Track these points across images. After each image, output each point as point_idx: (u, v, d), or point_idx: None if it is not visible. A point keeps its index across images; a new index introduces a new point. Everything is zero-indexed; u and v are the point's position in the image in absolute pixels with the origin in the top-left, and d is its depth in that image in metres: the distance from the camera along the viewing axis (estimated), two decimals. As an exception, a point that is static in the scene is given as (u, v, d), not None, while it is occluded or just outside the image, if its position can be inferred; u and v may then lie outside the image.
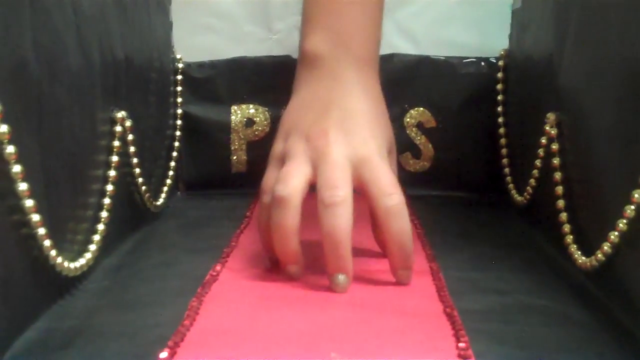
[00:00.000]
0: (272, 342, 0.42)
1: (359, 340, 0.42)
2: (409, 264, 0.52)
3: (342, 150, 0.53)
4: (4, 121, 0.39)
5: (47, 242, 0.44)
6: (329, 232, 0.50)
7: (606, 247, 0.47)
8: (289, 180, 0.52)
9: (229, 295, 0.50)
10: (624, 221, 0.44)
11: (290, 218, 0.51)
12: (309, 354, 0.40)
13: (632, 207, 0.43)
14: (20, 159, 0.40)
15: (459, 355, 0.40)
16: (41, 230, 0.43)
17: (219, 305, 0.48)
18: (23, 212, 0.41)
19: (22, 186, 0.41)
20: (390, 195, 0.52)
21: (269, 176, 0.56)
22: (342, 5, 0.62)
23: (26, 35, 0.42)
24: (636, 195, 0.43)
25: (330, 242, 0.50)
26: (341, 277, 0.50)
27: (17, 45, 0.41)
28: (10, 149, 0.39)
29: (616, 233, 0.45)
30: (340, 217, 0.50)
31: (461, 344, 0.41)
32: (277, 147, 0.58)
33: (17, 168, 0.40)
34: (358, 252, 0.59)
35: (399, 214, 0.52)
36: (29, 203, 0.41)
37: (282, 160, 0.55)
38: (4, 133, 0.39)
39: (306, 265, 0.54)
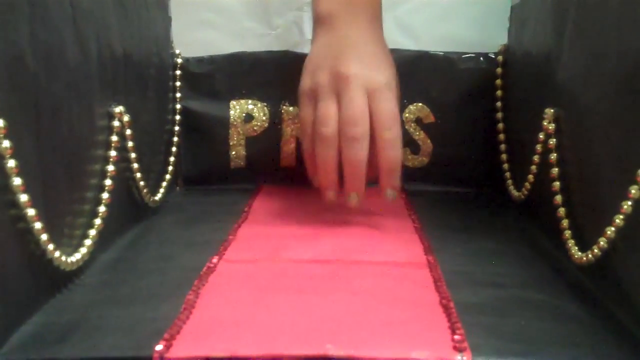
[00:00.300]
0: (268, 334, 0.42)
1: (354, 332, 0.42)
2: (396, 185, 0.65)
3: (359, 82, 0.64)
4: (0, 116, 0.39)
5: (43, 237, 0.44)
6: (349, 161, 0.63)
7: (602, 242, 0.47)
8: (329, 122, 0.64)
9: (225, 287, 0.50)
10: (621, 216, 0.44)
11: (332, 154, 0.64)
12: (305, 346, 0.40)
13: (629, 202, 0.43)
14: (15, 153, 0.40)
15: (454, 347, 0.40)
16: (37, 225, 0.43)
17: (216, 298, 0.48)
18: (18, 206, 0.41)
19: (17, 181, 0.41)
20: (389, 128, 0.63)
21: (306, 111, 0.67)
22: None
23: (23, 29, 0.42)
24: (633, 191, 0.43)
25: (349, 169, 0.64)
26: (354, 195, 0.65)
27: (13, 39, 0.41)
28: (5, 143, 0.39)
29: (613, 228, 0.45)
30: (358, 149, 0.63)
31: (457, 336, 0.41)
32: (305, 83, 0.68)
33: (11, 163, 0.40)
34: (357, 245, 0.60)
35: (392, 145, 0.64)
36: (24, 198, 0.41)
37: (312, 96, 0.66)
38: (0, 128, 0.39)
39: (303, 257, 0.56)
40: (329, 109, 0.64)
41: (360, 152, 0.63)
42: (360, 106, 0.63)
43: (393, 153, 0.64)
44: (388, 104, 0.64)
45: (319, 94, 0.65)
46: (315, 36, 0.71)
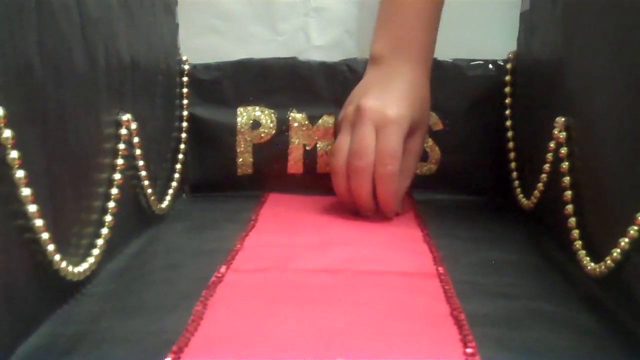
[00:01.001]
0: (277, 346, 0.42)
1: (365, 344, 0.42)
2: (392, 212, 0.72)
3: (371, 116, 0.69)
4: (8, 126, 0.38)
5: (50, 247, 0.44)
6: (355, 190, 0.70)
7: (615, 253, 0.46)
8: (337, 155, 0.71)
9: (233, 298, 0.50)
10: (635, 227, 0.44)
11: (342, 185, 0.72)
12: (315, 358, 0.40)
13: (644, 213, 0.43)
14: (24, 164, 0.40)
15: (466, 361, 0.40)
16: (45, 235, 0.43)
17: (224, 309, 0.47)
18: (26, 217, 0.41)
19: (26, 191, 0.40)
20: (384, 164, 0.69)
21: (341, 139, 0.72)
22: (405, 16, 0.75)
23: (31, 37, 0.42)
24: (647, 203, 0.42)
25: (356, 196, 0.71)
26: (368, 213, 0.72)
27: (21, 47, 0.41)
28: (13, 154, 0.39)
29: (626, 239, 0.45)
30: (362, 180, 0.69)
31: (468, 349, 0.41)
32: (339, 116, 0.75)
33: (20, 173, 0.40)
34: (366, 254, 0.59)
35: (385, 180, 0.69)
36: (33, 208, 0.41)
37: (340, 126, 0.74)
38: (7, 138, 0.38)
39: (311, 267, 0.56)
40: (342, 142, 0.71)
41: (363, 182, 0.69)
42: (366, 140, 0.69)
43: (386, 187, 0.70)
44: (390, 138, 0.69)
45: (342, 124, 0.73)
46: (365, 74, 0.77)
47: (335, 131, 0.77)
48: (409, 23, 0.75)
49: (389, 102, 0.70)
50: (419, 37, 0.75)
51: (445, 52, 0.82)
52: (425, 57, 0.76)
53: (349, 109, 0.72)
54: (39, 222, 0.42)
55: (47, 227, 0.43)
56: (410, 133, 0.71)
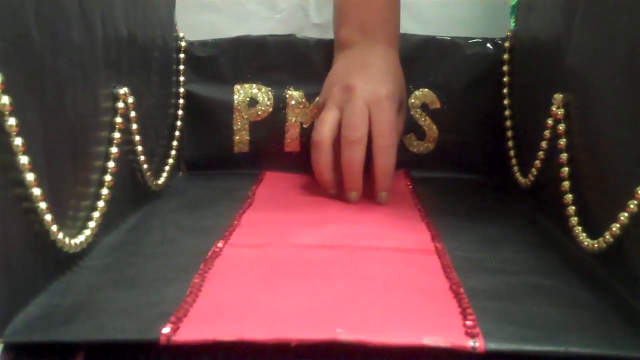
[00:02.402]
0: (275, 318, 0.41)
1: (365, 317, 0.42)
2: (388, 188, 0.70)
3: (362, 94, 0.70)
4: (5, 92, 0.38)
5: (48, 217, 0.43)
6: (347, 163, 0.69)
7: (615, 228, 0.46)
8: (319, 128, 0.70)
9: (231, 271, 0.50)
10: (635, 202, 0.44)
11: (322, 159, 0.70)
12: (314, 330, 0.40)
13: (644, 188, 0.43)
14: (21, 132, 0.39)
15: (466, 333, 0.40)
16: (42, 204, 0.43)
17: (222, 282, 0.47)
18: (24, 185, 0.41)
19: (24, 159, 0.40)
20: (384, 137, 0.69)
21: (326, 113, 0.71)
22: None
23: (29, 5, 0.42)
24: (649, 177, 0.42)
25: (347, 170, 0.69)
26: (353, 194, 0.70)
27: (19, 15, 0.41)
28: (11, 121, 0.39)
29: (626, 214, 0.45)
30: (356, 152, 0.68)
31: (468, 322, 0.41)
32: (319, 99, 0.76)
33: (18, 141, 0.39)
34: (364, 231, 0.59)
35: (387, 152, 0.69)
36: (30, 177, 0.41)
37: (321, 108, 0.73)
38: (4, 105, 0.38)
39: (309, 242, 0.56)
40: (327, 116, 0.71)
41: (356, 154, 0.68)
42: (360, 112, 0.69)
43: (386, 160, 0.69)
44: (386, 113, 0.70)
45: (326, 104, 0.72)
46: (336, 59, 0.78)
47: (317, 106, 0.76)
48: (375, 6, 0.76)
49: (377, 80, 0.71)
50: (386, 19, 0.76)
51: (443, 29, 0.81)
52: (394, 38, 0.78)
53: (333, 90, 0.72)
54: (36, 191, 0.42)
55: (45, 197, 0.43)
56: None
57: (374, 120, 0.69)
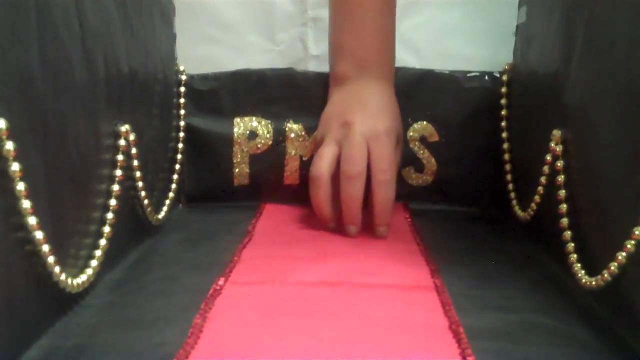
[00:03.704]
0: (276, 358, 0.41)
1: (364, 357, 0.42)
2: (387, 222, 0.70)
3: (360, 129, 0.70)
4: (10, 138, 0.38)
5: (50, 259, 0.44)
6: (347, 197, 0.69)
7: (613, 267, 0.46)
8: (317, 163, 0.71)
9: (232, 310, 0.50)
10: (632, 242, 0.44)
11: (321, 194, 0.71)
12: None
13: (641, 228, 0.43)
14: (24, 176, 0.40)
15: (466, 375, 0.40)
16: (45, 247, 0.43)
17: (223, 322, 0.47)
18: (27, 229, 0.41)
19: (26, 204, 0.40)
20: (384, 171, 0.69)
21: (324, 149, 0.72)
22: (364, 35, 0.76)
23: (33, 49, 0.42)
24: (645, 217, 0.43)
25: (347, 204, 0.69)
26: (352, 228, 0.70)
27: (23, 59, 0.41)
28: (15, 166, 0.39)
29: (624, 253, 0.45)
30: (355, 186, 0.69)
31: (468, 364, 0.41)
32: (316, 135, 0.76)
33: (21, 186, 0.40)
34: (363, 267, 0.59)
35: (386, 186, 0.69)
36: (32, 220, 0.41)
37: (320, 144, 0.73)
38: (9, 150, 0.38)
39: (309, 279, 0.56)
40: (325, 151, 0.71)
41: (355, 189, 0.69)
42: (358, 147, 0.69)
43: (386, 194, 0.70)
44: (385, 148, 0.70)
45: (324, 139, 0.73)
46: (331, 94, 0.78)
47: (316, 141, 0.76)
48: (369, 42, 0.76)
49: (375, 115, 0.72)
50: (381, 54, 0.77)
51: (440, 62, 0.82)
52: (390, 72, 0.78)
53: (332, 125, 0.73)
54: (39, 235, 0.42)
55: (47, 239, 0.43)
56: None
57: (373, 155, 0.69)
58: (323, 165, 0.70)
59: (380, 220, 0.70)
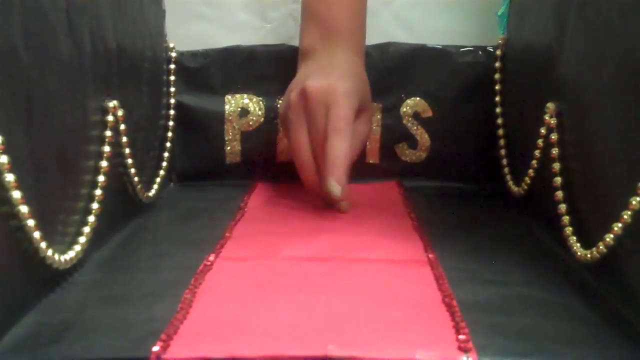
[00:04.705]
0: (267, 334, 0.41)
1: (356, 331, 0.41)
2: (339, 179, 0.66)
3: (320, 97, 0.67)
4: (-8, 110, 0.38)
5: (36, 234, 0.43)
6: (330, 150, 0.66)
7: (608, 238, 0.46)
8: (297, 149, 0.69)
9: (222, 286, 0.49)
10: (629, 212, 0.43)
11: (311, 177, 0.69)
12: (305, 346, 0.39)
13: (638, 198, 0.42)
14: (8, 149, 0.39)
15: (459, 348, 0.39)
16: (30, 222, 0.42)
17: (213, 297, 0.47)
18: (11, 203, 0.40)
19: (9, 177, 0.39)
20: (338, 127, 0.66)
21: (297, 134, 0.70)
22: (333, 6, 0.74)
23: (15, 21, 0.41)
24: (643, 187, 0.42)
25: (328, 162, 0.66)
26: (345, 203, 0.69)
27: (6, 31, 0.40)
28: (-3, 139, 0.38)
29: (620, 224, 0.44)
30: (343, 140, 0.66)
31: (461, 336, 0.40)
32: (280, 110, 0.75)
33: (3, 159, 0.39)
34: (356, 242, 0.59)
35: (340, 136, 0.66)
36: (17, 194, 0.40)
37: (286, 121, 0.71)
38: (-9, 122, 0.38)
39: (301, 255, 0.56)
40: (299, 137, 0.69)
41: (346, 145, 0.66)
42: (347, 108, 0.67)
43: (338, 143, 0.66)
44: (341, 108, 0.67)
45: (289, 116, 0.70)
46: (299, 68, 0.76)
47: (281, 119, 0.74)
48: (337, 13, 0.74)
49: (334, 79, 0.69)
50: (350, 25, 0.75)
51: (434, 38, 0.81)
52: (359, 45, 0.76)
53: (291, 95, 0.70)
54: (23, 209, 0.41)
55: (33, 214, 0.42)
56: (357, 114, 0.70)
57: (329, 114, 0.67)
58: (303, 153, 0.69)
59: (329, 171, 0.66)
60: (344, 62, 0.72)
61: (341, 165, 0.66)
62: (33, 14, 0.44)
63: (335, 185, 0.66)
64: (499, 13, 0.79)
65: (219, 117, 0.82)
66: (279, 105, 0.81)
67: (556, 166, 0.58)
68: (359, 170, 0.69)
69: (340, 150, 0.66)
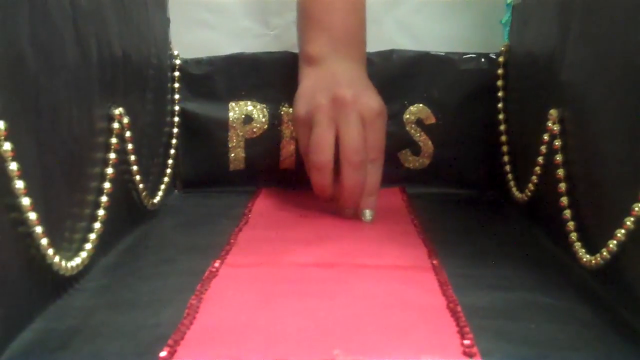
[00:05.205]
0: (273, 339, 0.41)
1: (362, 337, 0.42)
2: (374, 207, 0.69)
3: (357, 107, 0.67)
4: (1, 117, 0.38)
5: (44, 241, 0.43)
6: (351, 184, 0.67)
7: (612, 245, 0.46)
8: (319, 149, 0.68)
9: (228, 291, 0.49)
10: (632, 219, 0.43)
11: (327, 180, 0.69)
12: (311, 351, 0.40)
13: (641, 204, 0.43)
14: (17, 156, 0.39)
15: (464, 352, 0.39)
16: (38, 229, 0.42)
17: (219, 303, 0.47)
18: (20, 210, 0.41)
19: (19, 184, 0.40)
20: (374, 160, 0.69)
21: (323, 133, 0.68)
22: (339, 15, 0.74)
23: (24, 29, 0.42)
24: (645, 194, 0.42)
25: (349, 191, 0.68)
26: (350, 210, 0.70)
27: (14, 39, 0.41)
28: (7, 146, 0.39)
29: (623, 231, 0.45)
30: (361, 174, 0.67)
31: (466, 341, 0.41)
32: (301, 109, 0.71)
33: (13, 165, 0.39)
34: (360, 248, 0.59)
35: (376, 170, 0.69)
36: (26, 201, 0.41)
37: (308, 119, 0.70)
38: (1, 130, 0.38)
39: (306, 261, 0.56)
40: (325, 136, 0.68)
41: (360, 177, 0.68)
42: (361, 134, 0.67)
43: (372, 179, 0.69)
44: (380, 133, 0.69)
45: (315, 117, 0.69)
46: (305, 74, 0.74)
47: (301, 120, 0.71)
48: (344, 22, 0.74)
49: (366, 93, 0.70)
50: (356, 36, 0.75)
51: (437, 45, 0.82)
52: (363, 55, 0.76)
53: (321, 101, 0.69)
54: (32, 215, 0.41)
55: (40, 221, 0.42)
56: None
57: (368, 140, 0.68)
58: (327, 152, 0.68)
59: (366, 204, 0.69)
60: (360, 77, 0.73)
61: (376, 194, 0.69)
62: (41, 22, 0.44)
63: (370, 214, 0.69)
64: (503, 21, 0.80)
65: (223, 124, 0.82)
66: (282, 112, 0.81)
67: (560, 172, 0.58)
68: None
69: (378, 180, 0.69)
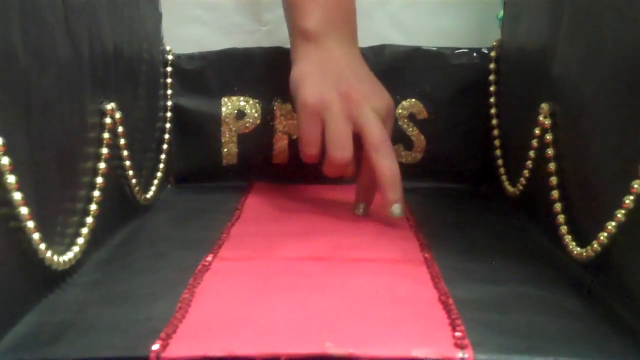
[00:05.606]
0: (265, 332, 0.41)
1: (354, 329, 0.42)
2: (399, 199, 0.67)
3: (371, 106, 0.67)
4: (-8, 112, 0.38)
5: (35, 236, 0.43)
6: (393, 173, 0.66)
7: (602, 237, 0.46)
8: (340, 144, 0.66)
9: (220, 285, 0.50)
10: (622, 211, 0.44)
11: (350, 173, 0.69)
12: (303, 344, 0.40)
13: (632, 197, 0.43)
14: (8, 151, 0.39)
15: (456, 344, 0.40)
16: (30, 224, 0.42)
17: (211, 296, 0.47)
18: (11, 205, 0.41)
19: (11, 179, 0.40)
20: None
21: (312, 127, 0.68)
22: None
23: (15, 24, 0.42)
24: (635, 186, 0.42)
25: (386, 180, 0.66)
26: (364, 206, 0.70)
27: (5, 34, 0.41)
28: (-2, 141, 0.39)
29: (614, 223, 0.45)
30: (396, 161, 0.67)
31: (457, 333, 0.41)
32: (310, 95, 0.68)
33: (5, 160, 0.39)
34: (352, 242, 0.59)
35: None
36: (17, 196, 0.41)
37: (318, 112, 0.67)
38: (-9, 124, 0.38)
39: (298, 255, 0.56)
40: (345, 132, 0.67)
41: (397, 163, 0.67)
42: (382, 125, 0.67)
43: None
44: (390, 130, 0.69)
45: (328, 112, 0.67)
46: (302, 52, 0.72)
47: (304, 111, 0.68)
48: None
49: (376, 90, 0.70)
50: (351, 15, 0.74)
51: (429, 40, 0.82)
52: (356, 32, 0.75)
53: (332, 96, 0.67)
54: (23, 210, 0.41)
55: (32, 216, 0.42)
56: None
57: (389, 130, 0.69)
58: (349, 148, 0.67)
59: (393, 197, 0.67)
60: (362, 63, 0.73)
61: (400, 186, 0.67)
62: (31, 17, 0.44)
63: (399, 207, 0.66)
64: (499, 16, 0.80)
65: (216, 120, 0.82)
66: (275, 107, 0.82)
67: (551, 166, 0.58)
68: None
69: (398, 172, 0.67)
